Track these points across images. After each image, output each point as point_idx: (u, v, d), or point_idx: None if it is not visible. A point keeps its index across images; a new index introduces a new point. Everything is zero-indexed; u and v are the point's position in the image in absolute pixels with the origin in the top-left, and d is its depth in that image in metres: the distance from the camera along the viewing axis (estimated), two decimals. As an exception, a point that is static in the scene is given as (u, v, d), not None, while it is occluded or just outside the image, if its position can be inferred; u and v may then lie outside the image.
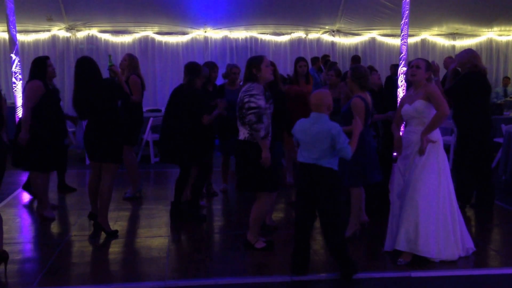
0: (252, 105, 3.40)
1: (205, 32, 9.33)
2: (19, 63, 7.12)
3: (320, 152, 3.09)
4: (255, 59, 3.59)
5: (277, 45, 9.62)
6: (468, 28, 10.06)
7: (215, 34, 9.39)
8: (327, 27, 9.67)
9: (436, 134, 3.44)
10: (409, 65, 4.35)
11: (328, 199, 3.13)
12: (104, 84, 4.08)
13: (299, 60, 5.39)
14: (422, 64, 3.46)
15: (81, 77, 4.04)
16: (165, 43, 9.26)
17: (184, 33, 9.31)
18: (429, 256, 3.38)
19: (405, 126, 3.60)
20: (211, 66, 5.20)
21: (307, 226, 3.25)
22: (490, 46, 10.40)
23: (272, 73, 3.67)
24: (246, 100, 3.44)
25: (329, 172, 3.12)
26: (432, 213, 3.35)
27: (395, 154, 5.22)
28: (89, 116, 4.07)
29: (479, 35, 10.31)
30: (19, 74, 7.12)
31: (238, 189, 3.70)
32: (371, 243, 3.91)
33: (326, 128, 3.08)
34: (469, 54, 4.62)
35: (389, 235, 3.60)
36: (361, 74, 3.82)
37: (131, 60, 5.18)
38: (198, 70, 4.37)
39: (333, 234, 3.16)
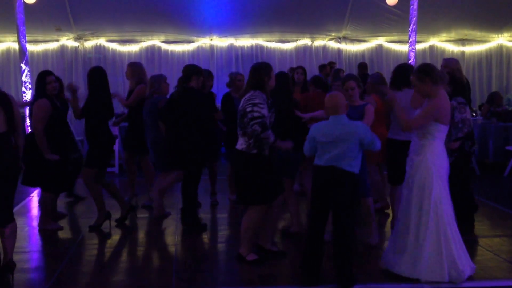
0: (256, 114, 3.32)
1: (211, 40, 9.37)
2: (28, 73, 7.21)
3: (343, 152, 3.04)
4: (267, 66, 3.51)
5: (283, 53, 9.62)
6: (477, 34, 9.97)
7: (220, 42, 9.42)
8: (333, 34, 9.65)
9: (430, 152, 3.23)
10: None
11: (346, 202, 3.05)
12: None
13: (296, 68, 5.51)
14: (414, 79, 3.26)
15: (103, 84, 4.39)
16: (171, 51, 9.31)
17: (190, 42, 9.36)
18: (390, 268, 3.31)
19: None
20: (206, 74, 5.12)
21: (320, 234, 3.17)
22: (500, 52, 10.27)
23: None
24: (248, 109, 3.35)
25: (351, 176, 3.06)
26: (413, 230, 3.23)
27: None
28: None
29: (489, 41, 10.21)
30: (29, 83, 7.20)
31: (239, 203, 3.67)
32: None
33: (353, 129, 3.08)
34: (458, 63, 4.76)
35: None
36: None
37: (131, 69, 5.19)
38: (191, 71, 4.34)
39: (344, 242, 3.08)
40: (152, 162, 5.13)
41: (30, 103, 4.44)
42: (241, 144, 3.46)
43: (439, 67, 3.86)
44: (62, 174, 4.34)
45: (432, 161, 3.21)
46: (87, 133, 4.44)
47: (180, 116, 4.28)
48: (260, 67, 3.50)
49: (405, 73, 3.97)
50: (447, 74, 4.48)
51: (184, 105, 4.26)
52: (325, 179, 3.09)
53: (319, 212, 3.16)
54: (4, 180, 3.18)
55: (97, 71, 4.46)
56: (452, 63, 4.65)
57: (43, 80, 4.28)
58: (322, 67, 8.51)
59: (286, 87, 4.03)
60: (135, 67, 5.29)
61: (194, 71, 4.35)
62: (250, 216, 3.53)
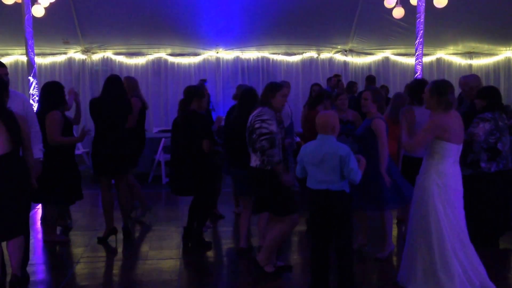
0: (264, 131, 3.31)
1: (217, 52, 9.41)
2: (36, 86, 7.26)
3: (330, 175, 3.03)
4: (274, 86, 3.52)
5: (289, 65, 9.64)
6: (485, 47, 9.93)
7: (226, 54, 9.47)
8: (339, 46, 9.67)
9: (436, 171, 3.13)
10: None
11: (342, 223, 3.07)
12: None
13: (313, 85, 5.44)
14: (426, 91, 3.23)
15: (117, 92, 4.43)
16: (178, 64, 9.37)
17: (196, 54, 9.41)
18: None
19: None
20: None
21: (325, 252, 3.16)
22: (508, 65, 10.22)
23: (283, 105, 3.56)
24: (257, 125, 3.34)
25: (341, 195, 3.05)
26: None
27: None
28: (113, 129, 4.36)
29: (497, 54, 10.16)
30: (36, 96, 7.25)
31: (256, 213, 3.64)
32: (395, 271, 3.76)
33: (334, 150, 3.02)
34: (479, 80, 4.66)
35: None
36: (381, 97, 3.85)
37: (128, 83, 5.13)
38: (191, 93, 4.26)
39: (347, 257, 3.09)
40: None
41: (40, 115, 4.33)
42: (254, 161, 3.44)
43: (445, 78, 3.82)
44: (65, 186, 4.31)
45: (436, 181, 3.11)
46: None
47: (181, 140, 4.25)
48: (268, 85, 3.54)
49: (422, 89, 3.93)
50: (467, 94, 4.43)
51: (184, 129, 4.21)
52: (319, 202, 3.10)
53: (320, 231, 3.16)
54: (14, 196, 3.18)
55: (112, 80, 4.47)
56: (471, 81, 4.59)
57: (61, 92, 4.30)
58: (328, 80, 8.53)
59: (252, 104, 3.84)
60: (131, 81, 5.28)
61: (195, 93, 4.26)
62: (282, 227, 3.49)
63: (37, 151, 3.59)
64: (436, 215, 3.09)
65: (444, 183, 3.11)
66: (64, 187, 4.30)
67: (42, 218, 4.96)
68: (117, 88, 4.45)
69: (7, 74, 3.81)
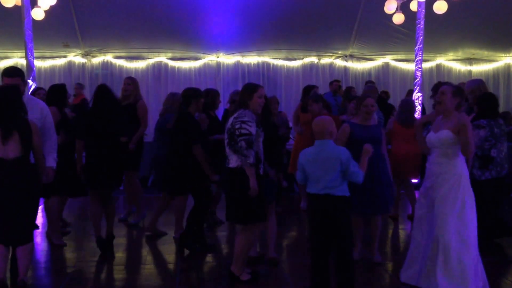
0: (244, 131, 3.30)
1: (218, 57, 9.42)
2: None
3: (332, 180, 3.03)
4: (250, 87, 3.48)
5: (289, 70, 9.65)
6: (484, 53, 9.96)
7: (227, 59, 9.48)
8: (339, 52, 9.69)
9: (461, 168, 3.25)
10: (434, 90, 4.27)
11: (345, 226, 3.08)
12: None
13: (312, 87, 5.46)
14: (448, 90, 3.24)
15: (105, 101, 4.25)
16: (178, 68, 9.37)
17: (196, 59, 9.42)
18: None
19: (429, 155, 3.40)
20: (214, 93, 5.07)
21: (326, 258, 3.14)
22: (507, 71, 10.24)
23: (261, 106, 3.46)
24: (237, 126, 3.33)
25: (343, 199, 3.07)
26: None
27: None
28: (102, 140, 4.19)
29: (496, 60, 10.19)
30: (35, 99, 7.23)
31: (228, 220, 3.59)
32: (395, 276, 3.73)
33: (336, 154, 3.03)
34: (479, 82, 4.67)
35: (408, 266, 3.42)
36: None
37: (135, 83, 5.21)
38: (189, 96, 4.26)
39: (348, 261, 3.08)
40: (153, 180, 5.08)
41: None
42: (235, 161, 3.39)
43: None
44: (69, 179, 4.36)
45: (466, 176, 3.26)
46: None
47: (176, 141, 4.25)
48: (244, 87, 3.53)
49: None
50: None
51: (178, 131, 4.21)
52: (321, 207, 3.09)
53: (321, 238, 3.14)
54: (24, 202, 3.18)
55: (102, 90, 4.32)
56: (471, 85, 4.58)
57: (64, 91, 4.54)
58: (330, 84, 8.53)
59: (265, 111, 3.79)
60: (136, 82, 5.28)
61: (193, 96, 4.25)
62: (249, 234, 3.48)
63: (51, 160, 3.60)
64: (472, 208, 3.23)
65: (461, 180, 3.24)
66: (68, 180, 4.36)
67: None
68: (108, 99, 4.26)
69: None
